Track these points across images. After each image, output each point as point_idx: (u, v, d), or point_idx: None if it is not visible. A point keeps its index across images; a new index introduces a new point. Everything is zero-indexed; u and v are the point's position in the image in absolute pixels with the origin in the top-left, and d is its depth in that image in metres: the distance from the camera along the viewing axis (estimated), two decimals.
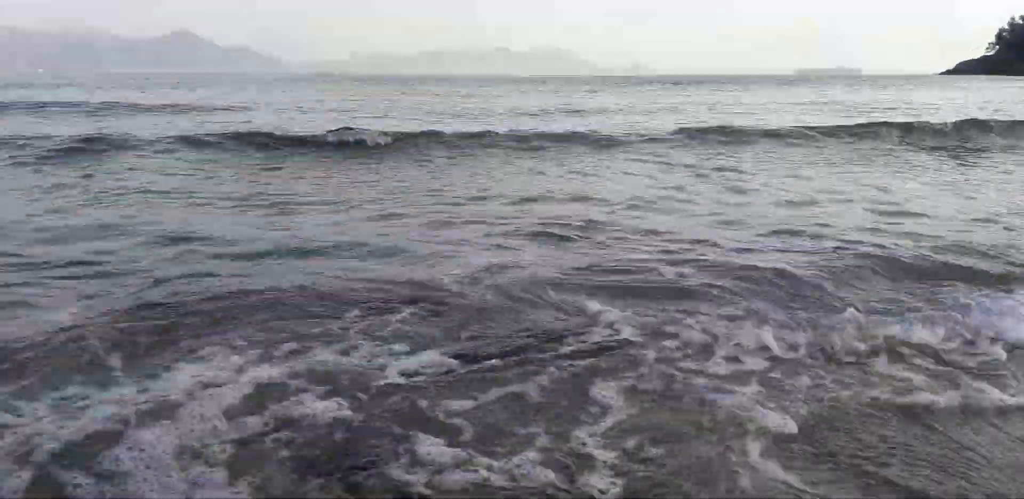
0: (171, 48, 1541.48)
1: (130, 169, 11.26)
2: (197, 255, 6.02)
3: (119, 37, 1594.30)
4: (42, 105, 25.02)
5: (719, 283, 5.23)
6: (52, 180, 10.08)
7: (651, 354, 4.02)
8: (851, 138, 16.60)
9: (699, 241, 6.61)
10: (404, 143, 14.50)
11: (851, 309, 4.64)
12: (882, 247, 6.28)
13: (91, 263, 5.70)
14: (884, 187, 10.29)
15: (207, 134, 14.84)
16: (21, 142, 13.18)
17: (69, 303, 4.70)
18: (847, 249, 6.22)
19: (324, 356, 3.91)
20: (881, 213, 8.15)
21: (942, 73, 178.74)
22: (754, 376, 3.85)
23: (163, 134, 15.06)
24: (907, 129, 17.71)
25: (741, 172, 11.82)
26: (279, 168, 11.90)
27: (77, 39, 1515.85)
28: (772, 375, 3.87)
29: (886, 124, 18.15)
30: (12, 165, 11.39)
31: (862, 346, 4.23)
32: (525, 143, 15.10)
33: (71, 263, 5.66)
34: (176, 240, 6.47)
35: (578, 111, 27.34)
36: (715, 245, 6.48)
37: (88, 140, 13.46)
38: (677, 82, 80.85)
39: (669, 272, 5.58)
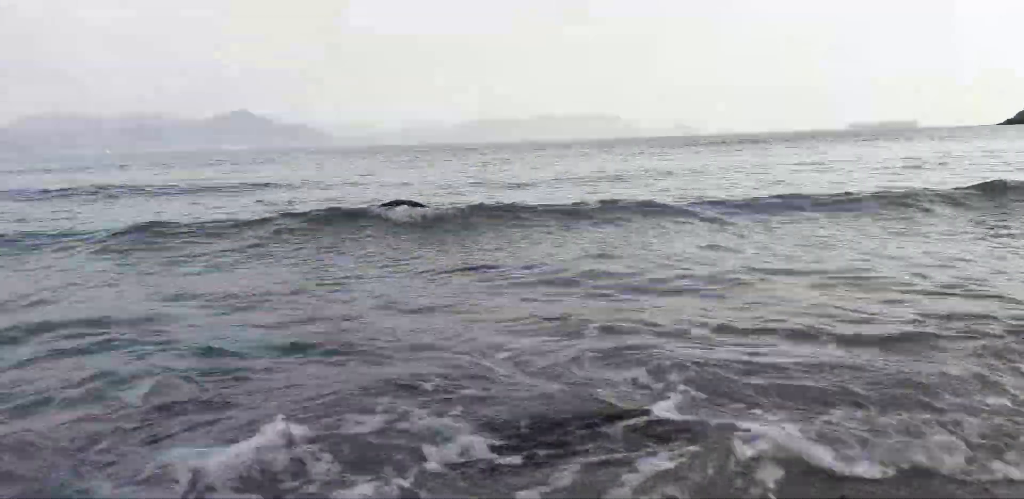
0: (230, 127, 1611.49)
1: (186, 253, 10.81)
2: (255, 327, 6.10)
3: (181, 118, 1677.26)
4: (104, 188, 25.66)
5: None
6: (105, 265, 9.65)
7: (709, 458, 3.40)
8: (971, 197, 14.75)
9: (797, 330, 5.54)
10: (462, 214, 13.77)
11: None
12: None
13: (159, 336, 5.86)
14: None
15: (267, 212, 14.58)
16: (79, 234, 12.96)
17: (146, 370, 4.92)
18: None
19: (365, 436, 3.77)
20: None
21: (1002, 123, 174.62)
22: None
23: (214, 217, 14.85)
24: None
25: (841, 240, 10.64)
26: (333, 241, 11.71)
27: (140, 122, 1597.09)
28: None
29: (1002, 182, 16.17)
30: (93, 254, 11.12)
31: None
32: (576, 212, 14.08)
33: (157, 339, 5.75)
34: (235, 309, 6.73)
35: (636, 176, 26.50)
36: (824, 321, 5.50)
37: (145, 227, 12.99)
38: (726, 141, 79.83)
39: (744, 351, 4.98)
